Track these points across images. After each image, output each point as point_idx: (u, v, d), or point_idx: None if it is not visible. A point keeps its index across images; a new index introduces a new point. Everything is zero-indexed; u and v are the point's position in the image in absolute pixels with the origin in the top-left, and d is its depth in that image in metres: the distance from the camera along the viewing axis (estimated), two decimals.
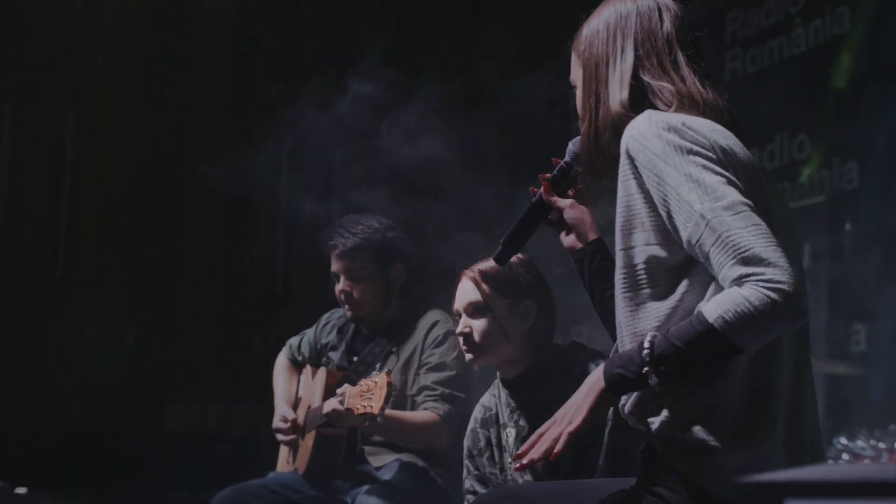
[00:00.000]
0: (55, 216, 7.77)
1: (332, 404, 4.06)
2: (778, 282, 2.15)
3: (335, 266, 4.52)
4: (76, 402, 7.55)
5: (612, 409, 3.38)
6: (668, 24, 2.55)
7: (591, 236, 2.85)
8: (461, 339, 3.64)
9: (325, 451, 4.44)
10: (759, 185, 2.39)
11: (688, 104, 2.45)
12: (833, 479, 1.51)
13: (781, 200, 2.52)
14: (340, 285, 4.51)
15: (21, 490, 5.94)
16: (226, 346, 7.96)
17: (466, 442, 3.79)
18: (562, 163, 2.86)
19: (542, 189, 2.87)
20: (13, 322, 7.51)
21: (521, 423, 3.60)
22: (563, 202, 2.86)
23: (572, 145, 2.83)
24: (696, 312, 2.25)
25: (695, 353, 2.24)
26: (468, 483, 3.77)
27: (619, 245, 2.44)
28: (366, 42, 6.28)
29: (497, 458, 3.68)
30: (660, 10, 2.57)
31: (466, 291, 3.66)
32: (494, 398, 3.74)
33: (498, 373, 3.73)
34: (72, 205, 7.87)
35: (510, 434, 3.63)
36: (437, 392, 4.33)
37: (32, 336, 7.55)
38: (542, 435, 2.46)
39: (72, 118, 7.82)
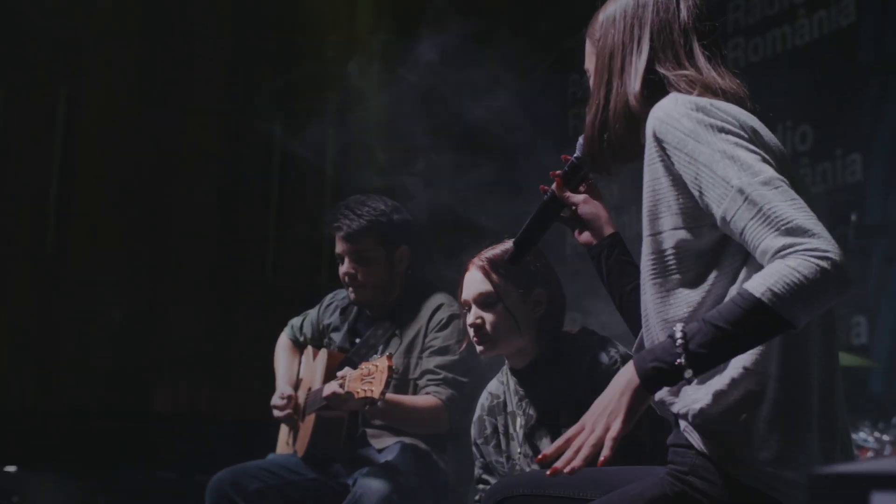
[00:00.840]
0: (45, 195, 7.69)
1: (331, 387, 3.98)
2: (825, 250, 2.10)
3: (340, 248, 4.46)
4: (65, 382, 7.50)
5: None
6: (684, 14, 2.52)
7: (608, 230, 2.82)
8: (472, 331, 3.56)
9: (326, 434, 4.39)
10: (786, 168, 2.35)
11: (706, 92, 2.41)
12: (863, 472, 1.46)
13: (805, 186, 2.48)
14: (345, 267, 4.45)
15: (10, 469, 5.90)
16: (216, 328, 7.90)
17: (473, 430, 3.74)
18: (572, 158, 2.82)
19: (554, 186, 2.83)
20: (1, 301, 7.43)
21: (530, 411, 3.55)
22: (577, 198, 2.83)
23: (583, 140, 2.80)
24: (738, 291, 2.17)
25: (742, 331, 2.15)
26: (476, 471, 3.72)
27: (646, 231, 2.40)
28: None
29: (504, 447, 3.63)
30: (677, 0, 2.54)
31: (475, 281, 3.58)
32: (502, 385, 3.69)
33: (507, 361, 3.66)
34: (61, 184, 7.79)
35: (518, 422, 3.57)
36: (440, 376, 4.28)
37: (22, 314, 7.49)
38: (570, 439, 2.32)
39: (63, 94, 7.74)
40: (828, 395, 2.37)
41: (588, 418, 2.31)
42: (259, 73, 8.14)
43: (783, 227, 2.14)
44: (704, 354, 2.18)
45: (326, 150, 8.03)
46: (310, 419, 4.44)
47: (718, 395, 2.28)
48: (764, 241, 2.16)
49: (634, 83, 2.48)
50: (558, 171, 2.84)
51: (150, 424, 7.40)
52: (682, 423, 2.35)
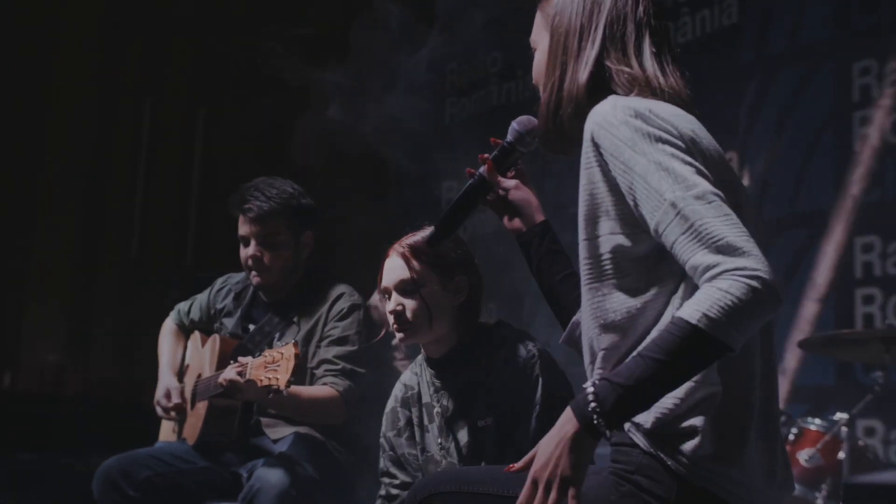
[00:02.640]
0: None
1: (230, 375, 3.84)
2: (754, 269, 2.10)
3: (246, 229, 4.36)
4: None
5: (539, 393, 3.35)
6: (640, 9, 2.51)
7: (538, 218, 2.81)
8: (392, 318, 3.50)
9: (218, 422, 4.30)
10: (725, 171, 2.36)
11: (646, 91, 2.41)
12: None
13: (743, 186, 2.49)
14: (250, 250, 4.35)
15: None
16: (78, 309, 7.71)
17: (384, 422, 3.67)
18: (504, 143, 2.80)
19: (483, 169, 2.80)
20: None
21: (446, 402, 3.51)
22: (509, 183, 2.81)
23: (517, 125, 2.79)
24: (671, 320, 2.16)
25: (681, 360, 2.14)
26: (383, 463, 3.68)
27: (582, 234, 2.37)
28: None
29: (418, 438, 3.58)
30: None
31: (396, 268, 3.52)
32: (416, 377, 3.64)
33: (423, 351, 3.63)
34: None
35: (434, 413, 3.55)
36: (339, 367, 4.22)
37: None
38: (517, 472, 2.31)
39: None
40: (768, 396, 2.39)
41: (539, 471, 2.26)
42: (130, 48, 7.99)
43: (713, 245, 2.13)
44: (641, 392, 2.16)
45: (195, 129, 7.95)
46: (201, 406, 4.34)
47: (672, 404, 2.28)
48: (693, 256, 2.15)
49: (583, 73, 2.46)
50: (487, 155, 2.81)
51: (9, 404, 7.20)
52: (627, 424, 2.34)
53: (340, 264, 5.45)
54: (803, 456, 4.66)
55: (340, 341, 4.28)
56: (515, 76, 8.02)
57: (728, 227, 2.15)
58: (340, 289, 4.41)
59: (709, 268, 2.13)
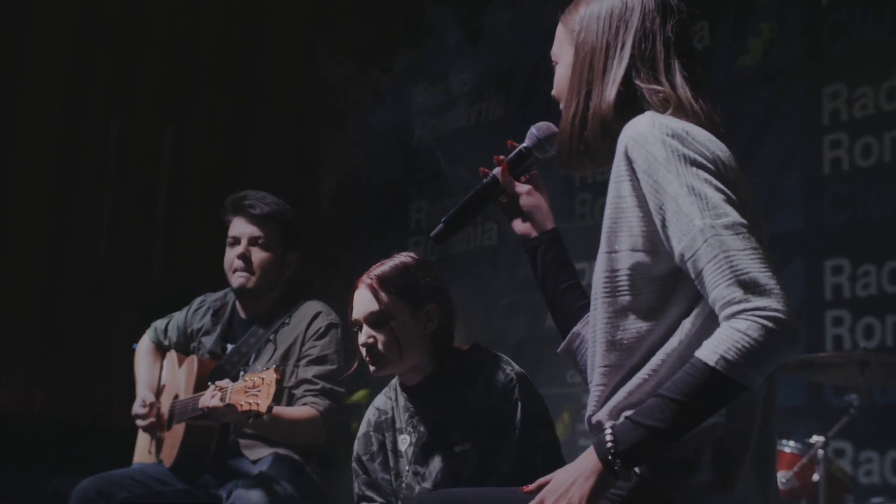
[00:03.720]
0: None
1: (211, 402, 3.81)
2: (774, 309, 2.11)
3: (239, 230, 4.40)
4: None
5: (518, 416, 3.34)
6: (669, 27, 2.48)
7: (548, 225, 2.78)
8: (364, 351, 3.46)
9: (196, 443, 4.28)
10: (748, 198, 2.35)
11: (680, 111, 2.38)
12: None
13: (760, 210, 2.50)
14: (240, 248, 4.38)
15: None
16: (43, 324, 7.63)
17: (357, 446, 3.63)
18: (521, 147, 2.78)
19: (498, 171, 2.79)
20: None
21: (421, 429, 3.48)
22: (523, 187, 2.79)
23: (536, 130, 2.76)
24: (690, 361, 2.17)
25: (699, 401, 2.16)
26: (357, 487, 3.65)
27: (603, 247, 2.36)
28: None
29: (392, 464, 3.55)
30: (665, 9, 2.50)
31: (364, 300, 3.47)
32: (391, 401, 3.61)
33: (398, 377, 3.60)
34: None
35: (408, 440, 3.52)
36: (318, 386, 4.20)
37: None
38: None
39: None
40: (768, 426, 2.40)
41: (548, 495, 2.30)
42: (96, 64, 7.93)
43: (737, 279, 2.14)
44: (660, 432, 2.18)
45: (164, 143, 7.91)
46: (178, 428, 4.31)
47: None
48: (717, 288, 2.16)
49: (610, 91, 2.43)
50: (503, 157, 2.80)
51: None
52: None
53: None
54: (779, 478, 4.67)
55: (319, 360, 4.28)
56: (485, 97, 8.03)
57: (753, 261, 2.15)
58: (316, 307, 4.41)
59: (729, 303, 2.14)
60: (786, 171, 6.13)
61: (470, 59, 8.00)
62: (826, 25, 6.16)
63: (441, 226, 2.79)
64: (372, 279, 3.48)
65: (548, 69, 2.65)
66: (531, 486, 2.36)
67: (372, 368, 3.48)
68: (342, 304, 4.40)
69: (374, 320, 3.45)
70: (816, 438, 4.69)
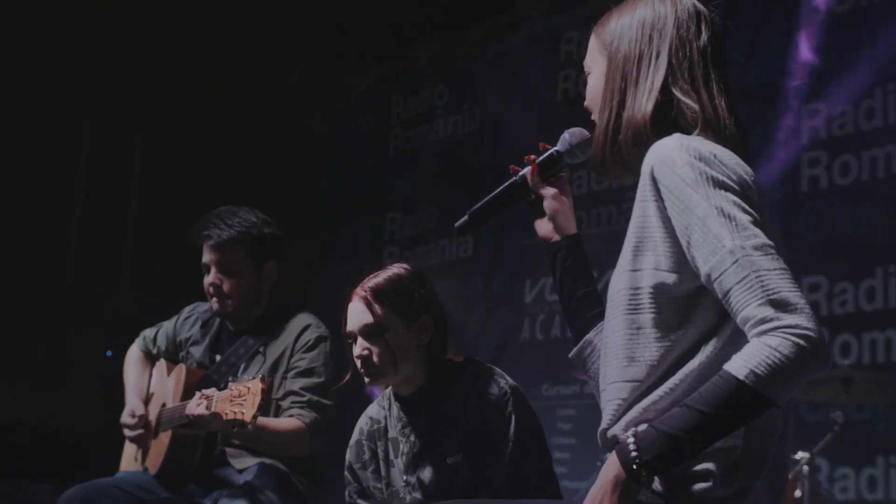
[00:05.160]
0: None
1: (196, 410, 3.80)
2: (805, 328, 2.12)
3: (207, 257, 4.33)
4: None
5: (512, 430, 3.35)
6: (705, 37, 2.47)
7: (570, 231, 2.77)
8: (359, 363, 3.46)
9: (181, 452, 4.26)
10: (768, 219, 2.35)
11: (711, 128, 2.39)
12: None
13: (778, 230, 2.51)
14: (211, 277, 4.33)
15: None
16: (13, 333, 7.58)
17: (349, 454, 3.64)
18: (552, 150, 2.78)
19: (528, 170, 2.79)
20: None
21: (413, 439, 3.49)
22: (549, 191, 2.78)
23: (569, 136, 2.77)
24: (719, 373, 2.18)
25: (725, 413, 2.16)
26: (348, 495, 3.65)
27: (626, 263, 2.37)
28: None
29: (383, 472, 3.56)
30: (699, 19, 2.48)
31: (359, 313, 3.47)
32: (384, 410, 3.61)
33: (392, 387, 3.59)
34: None
35: (401, 449, 3.52)
36: (305, 399, 4.18)
37: None
38: None
39: None
40: (782, 448, 2.40)
41: None
42: (67, 71, 7.89)
43: (767, 298, 2.15)
44: (684, 442, 2.19)
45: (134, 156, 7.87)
46: (165, 436, 4.30)
47: None
48: (747, 307, 2.16)
49: (647, 102, 2.43)
50: (534, 157, 2.79)
51: None
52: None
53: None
54: None
55: (307, 373, 4.25)
56: (461, 109, 8.06)
57: (783, 281, 2.16)
58: (306, 319, 4.39)
59: (761, 321, 2.14)
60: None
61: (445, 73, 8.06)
62: (804, 43, 6.20)
63: (466, 217, 2.80)
64: (366, 291, 3.47)
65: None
66: None
67: (367, 380, 3.48)
68: (318, 314, 4.41)
69: (368, 332, 3.45)
70: (801, 455, 4.72)
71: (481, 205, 2.80)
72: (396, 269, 3.55)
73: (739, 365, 2.14)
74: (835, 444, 5.05)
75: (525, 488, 3.32)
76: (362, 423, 3.66)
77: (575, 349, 2.72)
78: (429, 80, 8.31)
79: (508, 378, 3.47)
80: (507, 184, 2.81)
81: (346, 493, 3.66)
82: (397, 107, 8.60)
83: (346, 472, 3.65)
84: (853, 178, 5.88)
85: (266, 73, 8.52)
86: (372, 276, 3.54)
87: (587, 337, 2.69)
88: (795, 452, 4.79)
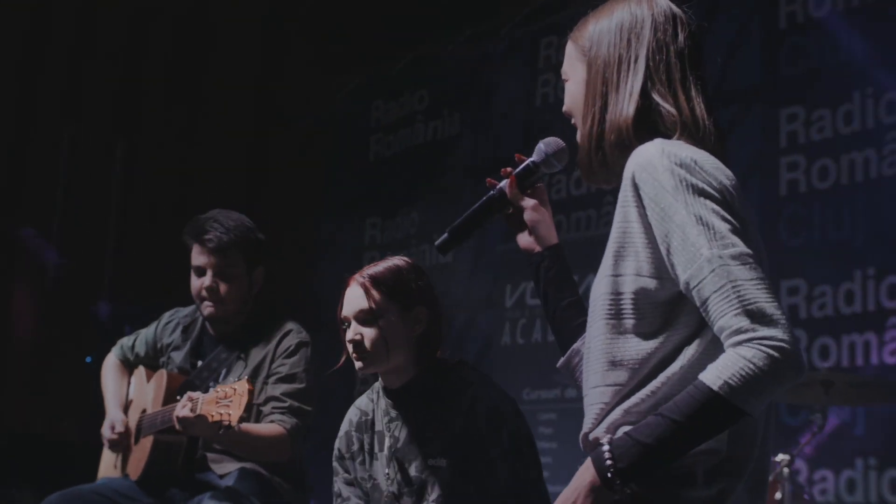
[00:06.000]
0: None
1: (182, 412, 3.79)
2: (780, 339, 2.14)
3: (203, 260, 4.31)
4: None
5: (507, 438, 3.37)
6: (682, 39, 2.48)
7: (551, 241, 2.79)
8: (351, 347, 3.50)
9: (163, 457, 4.25)
10: (751, 224, 2.35)
11: (690, 132, 2.39)
12: None
13: (759, 236, 2.51)
14: (206, 280, 4.31)
15: None
16: None
17: (338, 444, 3.68)
18: (529, 161, 2.79)
19: (506, 183, 2.79)
20: None
21: (398, 433, 3.52)
22: (529, 202, 2.79)
23: (544, 146, 2.77)
24: (693, 384, 2.20)
25: (699, 423, 2.19)
26: (336, 485, 3.68)
27: (607, 269, 2.38)
28: None
29: (368, 464, 3.60)
30: (675, 22, 2.49)
31: (356, 297, 3.52)
32: (372, 403, 3.66)
33: (381, 379, 3.63)
34: None
35: (385, 443, 3.54)
36: (286, 404, 4.18)
37: None
38: None
39: None
40: (765, 451, 2.42)
41: None
42: (47, 77, 7.88)
43: (744, 308, 2.16)
44: (658, 450, 2.21)
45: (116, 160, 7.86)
46: (146, 441, 4.29)
47: None
48: (723, 317, 2.18)
49: (628, 106, 2.43)
50: (510, 169, 2.79)
51: None
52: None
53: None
54: None
55: (288, 378, 4.25)
56: (441, 114, 8.08)
57: (760, 291, 2.17)
58: (288, 325, 4.39)
59: (737, 332, 2.16)
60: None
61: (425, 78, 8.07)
62: (784, 48, 6.24)
63: (445, 235, 2.80)
64: (364, 278, 3.54)
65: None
66: None
67: (358, 365, 3.53)
68: (296, 318, 4.41)
69: (363, 317, 3.51)
70: (782, 457, 4.74)
71: (461, 221, 2.80)
72: (396, 260, 3.62)
73: (714, 375, 2.16)
74: (814, 447, 5.07)
75: (526, 496, 3.36)
76: (351, 414, 3.71)
77: (562, 359, 2.73)
78: (409, 86, 8.32)
79: (500, 387, 3.54)
80: (485, 198, 2.81)
81: (335, 483, 3.69)
82: (377, 111, 8.61)
83: (334, 462, 3.69)
84: (832, 182, 5.90)
85: (248, 77, 8.51)
86: (371, 264, 3.61)
87: (574, 346, 2.71)
88: (776, 455, 4.81)
